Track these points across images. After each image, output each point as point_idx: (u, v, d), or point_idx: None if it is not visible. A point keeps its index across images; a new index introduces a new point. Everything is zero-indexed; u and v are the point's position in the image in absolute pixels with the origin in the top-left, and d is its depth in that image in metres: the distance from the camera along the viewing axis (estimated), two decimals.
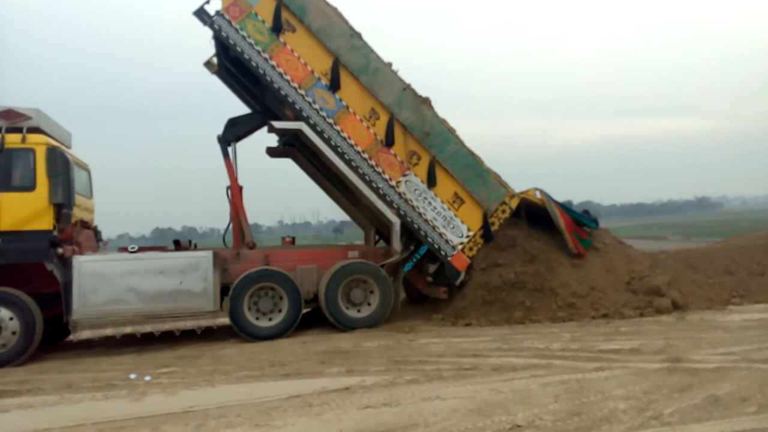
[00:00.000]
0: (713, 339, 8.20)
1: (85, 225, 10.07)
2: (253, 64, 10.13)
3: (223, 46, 10.45)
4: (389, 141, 10.52)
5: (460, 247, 10.72)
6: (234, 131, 10.87)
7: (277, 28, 10.16)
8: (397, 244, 10.63)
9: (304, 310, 10.27)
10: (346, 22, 10.57)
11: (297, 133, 10.57)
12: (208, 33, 10.45)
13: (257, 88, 11.02)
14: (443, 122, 10.95)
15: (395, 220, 10.53)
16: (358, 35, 10.57)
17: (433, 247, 10.64)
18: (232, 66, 10.93)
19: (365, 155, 10.47)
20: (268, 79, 10.18)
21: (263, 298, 9.83)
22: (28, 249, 8.65)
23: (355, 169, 10.43)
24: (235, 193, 10.71)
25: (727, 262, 12.54)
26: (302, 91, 10.25)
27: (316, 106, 10.30)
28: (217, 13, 10.07)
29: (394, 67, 10.79)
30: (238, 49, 10.09)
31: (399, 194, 10.58)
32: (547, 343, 8.24)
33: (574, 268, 11.12)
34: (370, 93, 10.52)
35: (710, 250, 13.47)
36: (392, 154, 10.58)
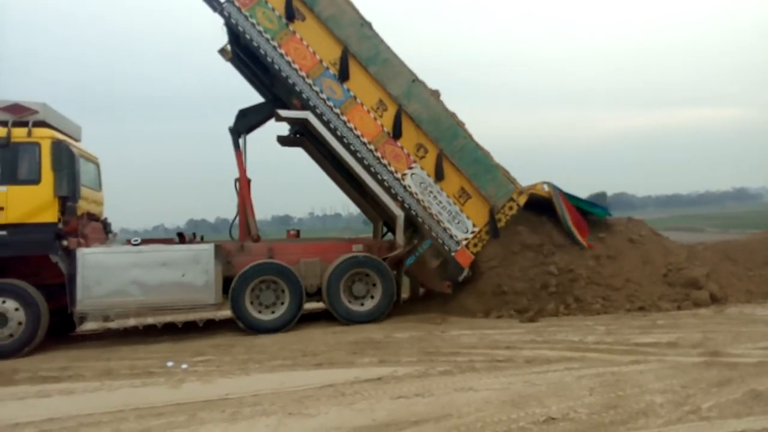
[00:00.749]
0: (753, 333, 8.01)
1: (93, 217, 10.17)
2: (262, 51, 10.10)
3: (234, 33, 10.43)
4: (396, 133, 10.40)
5: (464, 242, 10.52)
6: (245, 122, 10.85)
7: (287, 16, 10.11)
8: (400, 237, 10.54)
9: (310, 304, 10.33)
10: (356, 11, 10.46)
11: (304, 123, 10.54)
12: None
13: (266, 77, 10.97)
14: (452, 115, 10.76)
15: (399, 213, 10.42)
16: (369, 25, 10.45)
17: (436, 242, 10.49)
18: (242, 54, 10.91)
19: (371, 146, 10.36)
20: (276, 67, 10.13)
21: (265, 291, 9.82)
22: (34, 241, 8.78)
23: (360, 161, 10.35)
24: (243, 185, 10.69)
25: (767, 254, 12.23)
26: (310, 80, 10.20)
27: (324, 96, 10.24)
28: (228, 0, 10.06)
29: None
30: (247, 36, 10.06)
31: (404, 187, 10.45)
32: (581, 336, 8.15)
33: (610, 260, 10.97)
34: (379, 84, 10.40)
35: (750, 242, 13.17)
36: (399, 146, 10.45)
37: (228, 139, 10.84)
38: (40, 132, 9.02)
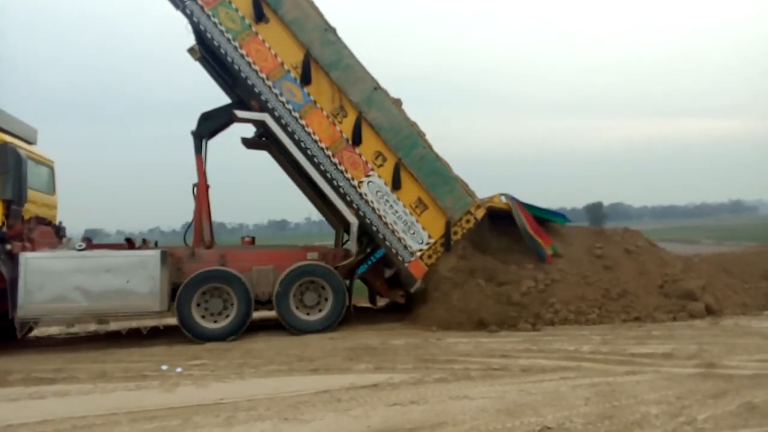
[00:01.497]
0: (749, 345, 8.01)
1: (43, 221, 10.01)
2: (222, 51, 10.04)
3: (198, 32, 10.34)
4: (355, 140, 10.30)
5: (419, 253, 10.40)
6: (207, 125, 10.69)
7: (256, 16, 10.05)
8: (353, 245, 10.47)
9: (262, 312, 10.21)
10: (321, 15, 10.38)
11: (262, 125, 10.46)
12: None
13: (229, 77, 10.89)
14: (413, 125, 10.67)
15: (353, 221, 10.32)
16: (333, 30, 10.37)
17: (390, 252, 10.37)
18: (206, 53, 10.77)
19: (329, 152, 10.27)
20: (236, 68, 10.07)
21: (212, 299, 9.65)
22: None
23: (316, 166, 10.25)
24: (201, 191, 10.54)
25: (763, 267, 12.29)
26: (270, 83, 10.12)
27: (283, 99, 10.16)
28: None
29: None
30: (209, 35, 10.01)
31: (360, 195, 10.34)
32: (576, 346, 8.15)
33: (606, 270, 10.98)
34: (340, 89, 10.31)
35: (746, 255, 13.23)
36: (357, 153, 10.34)
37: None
38: None
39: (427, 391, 6.08)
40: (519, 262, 10.92)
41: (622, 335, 8.96)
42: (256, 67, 10.10)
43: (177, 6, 10.14)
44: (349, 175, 10.33)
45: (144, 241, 10.70)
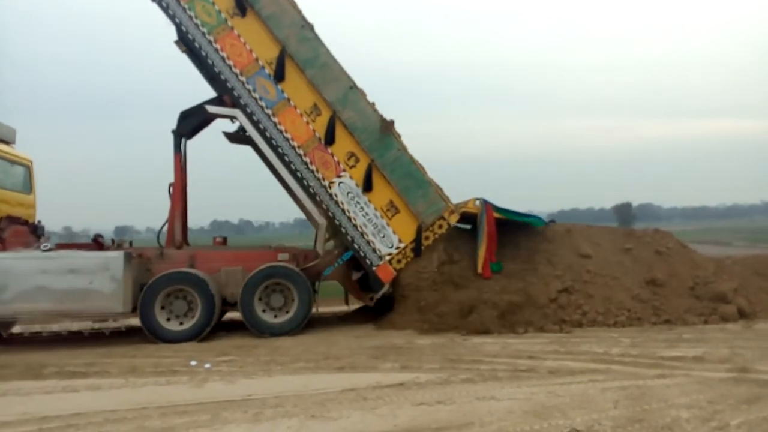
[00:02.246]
0: None
1: (17, 221, 10.03)
2: (197, 45, 10.00)
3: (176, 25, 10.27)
4: (328, 139, 10.16)
5: (388, 257, 10.22)
6: (187, 124, 10.57)
7: (227, 11, 10.00)
8: (320, 246, 10.36)
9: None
10: (299, 11, 10.24)
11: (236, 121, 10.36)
12: None
13: (207, 71, 10.74)
14: None
15: (321, 222, 10.24)
16: (310, 27, 10.23)
17: (358, 254, 10.22)
18: (186, 46, 10.55)
19: (300, 151, 10.14)
20: (210, 62, 10.01)
21: (177, 301, 9.51)
22: None
23: (287, 164, 10.15)
24: (176, 190, 10.40)
25: None
26: (243, 78, 10.03)
27: (256, 95, 10.06)
28: None
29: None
30: (183, 28, 9.98)
31: (330, 195, 10.20)
32: (605, 348, 8.05)
33: (636, 272, 10.84)
34: (315, 87, 10.16)
35: None
36: (329, 153, 10.20)
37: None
38: None
39: (453, 391, 6.06)
40: (547, 264, 10.83)
41: (652, 338, 8.83)
42: (230, 62, 10.01)
43: None
44: (320, 175, 10.19)
45: (113, 241, 10.64)
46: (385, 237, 10.24)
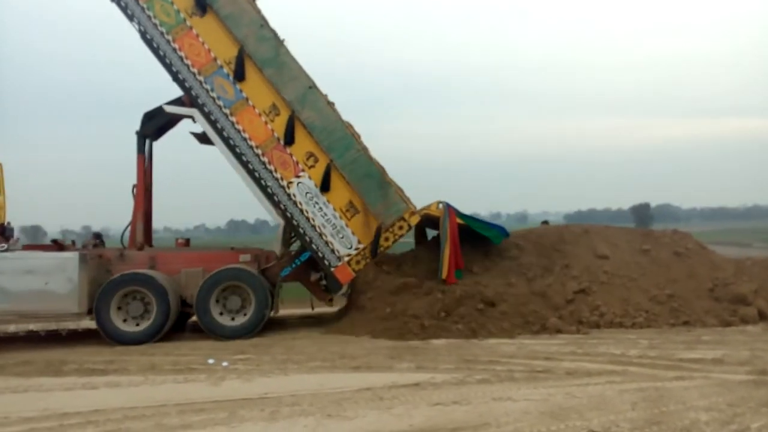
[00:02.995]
0: None
1: None
2: (155, 45, 9.90)
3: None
4: (287, 139, 9.99)
5: (346, 258, 10.01)
6: (151, 125, 10.49)
7: (186, 10, 9.90)
8: (278, 247, 10.26)
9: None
10: (258, 11, 10.14)
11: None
12: None
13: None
14: (348, 126, 10.30)
15: (279, 222, 10.13)
16: (269, 26, 10.10)
17: (316, 255, 10.03)
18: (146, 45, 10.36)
19: (258, 151, 9.98)
20: (168, 61, 9.91)
21: (133, 302, 9.41)
22: None
23: (245, 164, 10.01)
24: (139, 191, 10.38)
25: None
26: (201, 78, 9.92)
27: (214, 95, 9.93)
28: None
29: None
30: (141, 28, 9.90)
31: (288, 195, 10.01)
32: (623, 349, 7.99)
33: (654, 273, 10.75)
34: (273, 87, 10.00)
35: None
36: (288, 153, 10.02)
37: None
38: None
39: (469, 391, 6.06)
40: (564, 266, 10.78)
41: (671, 339, 8.75)
42: (188, 62, 9.91)
43: None
44: (278, 175, 10.02)
45: (73, 242, 10.53)
46: (344, 238, 10.06)
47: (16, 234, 10.64)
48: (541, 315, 9.79)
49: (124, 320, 9.40)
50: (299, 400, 5.83)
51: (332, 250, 10.02)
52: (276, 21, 10.18)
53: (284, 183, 10.05)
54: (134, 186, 10.46)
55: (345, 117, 10.31)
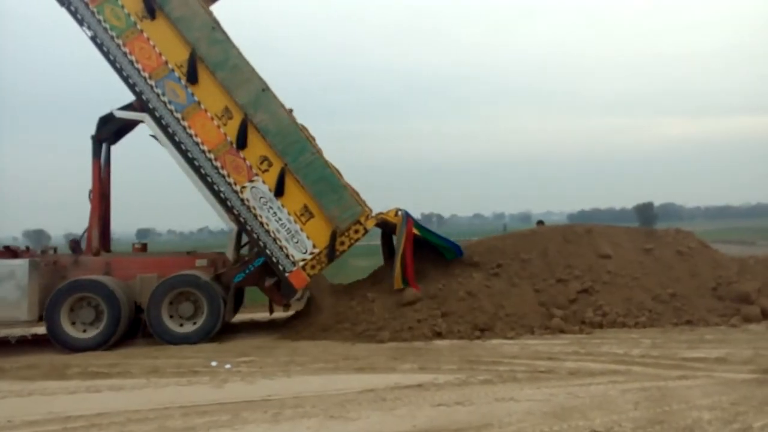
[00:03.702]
0: None
1: None
2: (105, 49, 9.79)
3: None
4: (240, 143, 9.87)
5: (301, 263, 9.87)
6: (107, 129, 10.36)
7: (137, 14, 9.82)
8: (230, 252, 10.13)
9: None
10: (209, 13, 10.06)
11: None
12: None
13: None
14: (303, 129, 10.18)
15: (232, 227, 10.04)
16: (221, 29, 10.01)
17: (270, 260, 9.88)
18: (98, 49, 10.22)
19: (211, 155, 9.86)
20: (118, 66, 9.81)
21: (84, 309, 9.34)
22: None
23: (196, 169, 9.88)
24: (94, 196, 10.29)
25: None
26: (152, 82, 9.81)
27: (165, 99, 9.83)
28: None
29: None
30: (91, 32, 9.83)
31: (242, 200, 9.89)
32: (626, 349, 7.99)
33: (657, 272, 10.74)
34: (226, 90, 9.90)
35: None
36: (241, 157, 9.90)
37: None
38: None
39: (472, 392, 6.06)
40: (567, 266, 10.77)
41: (674, 339, 8.74)
42: (139, 66, 9.81)
43: (62, 3, 9.89)
44: (231, 180, 9.90)
45: (27, 248, 10.47)
46: (298, 242, 9.92)
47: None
48: (545, 315, 9.80)
49: (75, 326, 9.33)
50: (302, 402, 5.84)
51: (287, 255, 9.89)
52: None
53: (237, 188, 9.92)
54: (90, 191, 10.34)
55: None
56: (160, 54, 9.88)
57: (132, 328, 9.82)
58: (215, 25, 10.01)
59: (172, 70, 9.87)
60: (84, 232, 10.46)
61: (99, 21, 9.81)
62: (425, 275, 10.60)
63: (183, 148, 9.91)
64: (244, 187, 9.92)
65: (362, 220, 10.14)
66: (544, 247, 11.19)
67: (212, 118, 9.92)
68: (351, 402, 5.81)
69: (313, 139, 10.32)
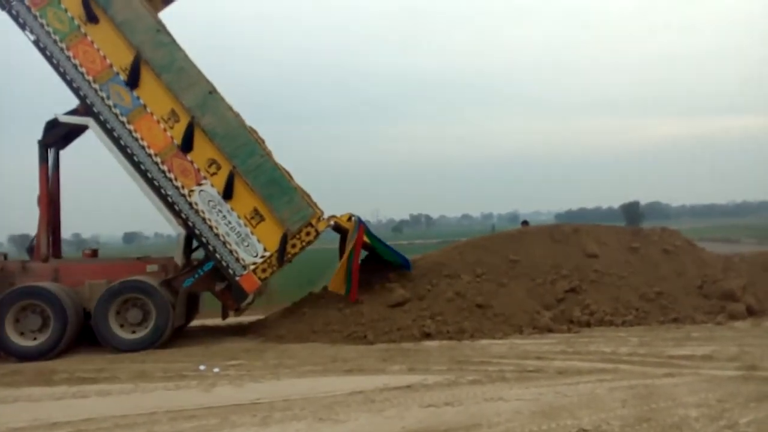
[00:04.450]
0: None
1: None
2: (48, 53, 9.63)
3: None
4: (186, 146, 9.70)
5: (252, 267, 9.72)
6: (54, 134, 10.18)
7: (80, 17, 9.64)
8: (179, 257, 9.97)
9: None
10: (154, 16, 9.99)
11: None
12: None
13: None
14: (251, 132, 10.06)
15: (179, 231, 9.87)
16: (166, 31, 9.91)
17: (220, 264, 9.72)
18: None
19: (157, 159, 9.70)
20: (61, 70, 9.64)
21: (31, 316, 9.15)
22: None
23: (143, 173, 9.72)
24: (42, 202, 10.10)
25: None
26: (96, 85, 9.64)
27: (110, 102, 9.66)
28: None
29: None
30: (33, 36, 9.64)
31: (190, 204, 9.72)
32: (613, 347, 8.04)
33: (643, 271, 10.82)
34: (172, 93, 9.73)
35: None
36: (189, 160, 9.73)
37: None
38: None
39: (461, 392, 6.07)
40: (554, 265, 10.84)
41: (660, 337, 8.81)
42: (83, 70, 9.65)
43: (2, 7, 9.70)
44: (179, 184, 9.73)
45: (4, 255, 10.23)
46: (249, 246, 9.76)
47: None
48: (532, 314, 9.85)
49: (22, 334, 9.16)
50: (291, 405, 5.82)
51: (237, 259, 9.73)
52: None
53: (185, 191, 9.75)
54: (39, 197, 10.15)
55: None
56: (105, 57, 9.68)
57: (89, 334, 9.58)
58: (160, 28, 9.87)
59: (117, 74, 9.68)
60: (33, 238, 10.22)
61: (42, 24, 9.60)
62: (412, 276, 10.63)
63: (129, 152, 9.71)
64: (192, 191, 9.74)
65: (313, 222, 9.98)
66: (531, 247, 11.25)
67: (158, 122, 9.75)
68: (340, 404, 5.80)
69: (263, 142, 10.20)
